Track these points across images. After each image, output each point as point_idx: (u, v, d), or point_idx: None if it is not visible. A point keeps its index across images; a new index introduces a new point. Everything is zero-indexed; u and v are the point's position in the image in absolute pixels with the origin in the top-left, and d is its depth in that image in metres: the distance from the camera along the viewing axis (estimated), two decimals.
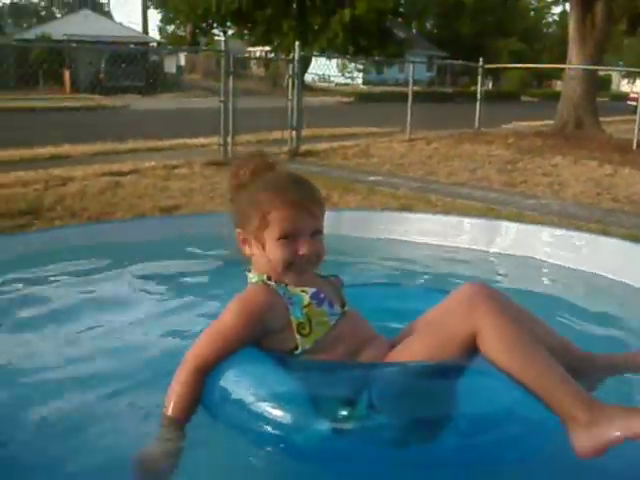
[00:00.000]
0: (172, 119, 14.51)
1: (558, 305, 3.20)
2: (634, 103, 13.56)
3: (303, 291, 1.82)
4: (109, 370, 2.35)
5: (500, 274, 3.80)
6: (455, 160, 10.03)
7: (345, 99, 28.60)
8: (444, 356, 1.73)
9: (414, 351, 1.78)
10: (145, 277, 3.46)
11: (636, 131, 12.64)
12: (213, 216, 4.76)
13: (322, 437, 1.64)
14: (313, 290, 1.83)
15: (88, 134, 10.65)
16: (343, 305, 1.92)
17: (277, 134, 10.46)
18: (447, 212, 6.09)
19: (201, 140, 10.44)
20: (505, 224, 4.08)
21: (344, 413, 1.63)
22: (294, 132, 9.97)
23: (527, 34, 51.64)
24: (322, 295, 1.83)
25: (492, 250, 3.91)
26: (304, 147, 10.20)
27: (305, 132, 10.63)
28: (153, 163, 8.21)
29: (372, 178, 8.09)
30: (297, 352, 1.78)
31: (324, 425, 1.64)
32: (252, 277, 1.89)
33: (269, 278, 1.84)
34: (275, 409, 1.67)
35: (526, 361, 1.65)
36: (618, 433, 1.57)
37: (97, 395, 2.15)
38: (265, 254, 1.84)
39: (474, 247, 3.96)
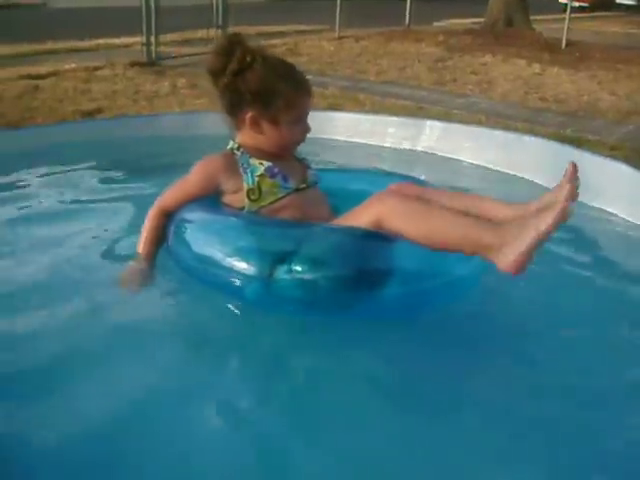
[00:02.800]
0: (94, 17, 13.90)
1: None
2: (566, 1, 13.51)
3: (261, 163, 2.11)
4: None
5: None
6: (385, 58, 9.91)
7: None
8: None
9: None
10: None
11: (565, 30, 12.66)
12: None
13: (255, 285, 1.93)
14: (269, 164, 2.11)
15: (1, 35, 10.08)
16: (304, 182, 2.19)
17: (203, 33, 10.10)
18: (376, 111, 6.06)
19: (124, 40, 10.03)
20: (429, 123, 4.06)
21: (272, 267, 1.90)
22: (219, 31, 9.65)
23: None
24: (276, 170, 2.11)
25: (418, 148, 3.92)
26: None
27: (232, 31, 10.31)
28: (73, 65, 7.86)
29: None
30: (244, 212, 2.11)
31: (256, 275, 1.92)
32: (229, 144, 2.20)
33: (238, 148, 2.16)
34: (214, 255, 2.01)
35: (424, 222, 1.83)
36: (528, 239, 1.68)
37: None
38: (275, 133, 2.13)
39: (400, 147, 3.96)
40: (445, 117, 6.07)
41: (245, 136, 2.17)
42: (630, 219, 3.17)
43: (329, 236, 1.95)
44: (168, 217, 2.21)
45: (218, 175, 2.12)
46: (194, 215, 2.15)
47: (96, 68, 7.83)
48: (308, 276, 1.87)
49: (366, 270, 1.92)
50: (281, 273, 1.88)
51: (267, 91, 2.09)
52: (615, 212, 3.25)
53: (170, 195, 2.22)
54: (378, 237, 1.89)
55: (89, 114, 5.60)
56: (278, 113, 2.10)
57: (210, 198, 2.14)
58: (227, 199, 2.14)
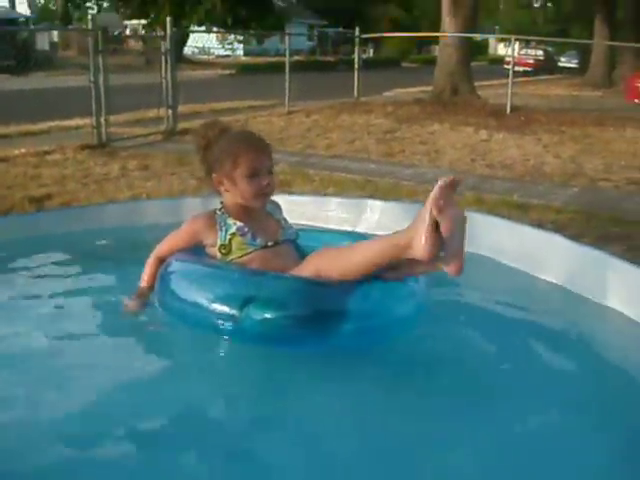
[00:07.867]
0: (47, 100, 13.90)
1: None
2: (510, 66, 14.00)
3: (235, 223, 2.52)
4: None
5: None
6: (334, 132, 10.10)
7: (226, 72, 28.15)
8: None
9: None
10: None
11: (509, 95, 13.06)
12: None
13: (230, 323, 2.30)
14: (241, 224, 2.52)
15: None
16: (274, 240, 2.56)
17: (154, 112, 10.16)
18: (324, 187, 6.14)
19: (77, 122, 10.04)
20: (370, 202, 4.13)
21: (239, 308, 2.27)
22: (170, 111, 9.74)
23: (405, 0, 52.11)
24: (246, 229, 2.51)
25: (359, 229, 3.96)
26: (182, 125, 9.90)
27: (184, 109, 10.42)
28: (23, 150, 7.85)
29: None
30: None
31: (227, 312, 2.30)
32: (217, 206, 2.61)
33: (220, 209, 2.58)
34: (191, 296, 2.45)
35: (350, 255, 2.29)
36: (422, 228, 2.08)
37: None
38: (236, 189, 2.51)
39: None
40: (394, 189, 6.18)
41: (224, 197, 2.60)
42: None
43: (277, 282, 2.36)
44: (162, 262, 2.67)
45: (200, 232, 2.57)
46: (172, 267, 2.58)
47: (46, 152, 7.82)
48: (265, 315, 2.24)
49: (310, 311, 2.29)
50: (248, 313, 2.25)
51: (221, 155, 2.53)
52: (554, 281, 3.32)
53: (163, 246, 2.70)
54: (317, 283, 2.29)
55: (38, 200, 5.57)
56: (231, 171, 2.50)
57: (196, 249, 2.59)
58: (208, 251, 2.57)
